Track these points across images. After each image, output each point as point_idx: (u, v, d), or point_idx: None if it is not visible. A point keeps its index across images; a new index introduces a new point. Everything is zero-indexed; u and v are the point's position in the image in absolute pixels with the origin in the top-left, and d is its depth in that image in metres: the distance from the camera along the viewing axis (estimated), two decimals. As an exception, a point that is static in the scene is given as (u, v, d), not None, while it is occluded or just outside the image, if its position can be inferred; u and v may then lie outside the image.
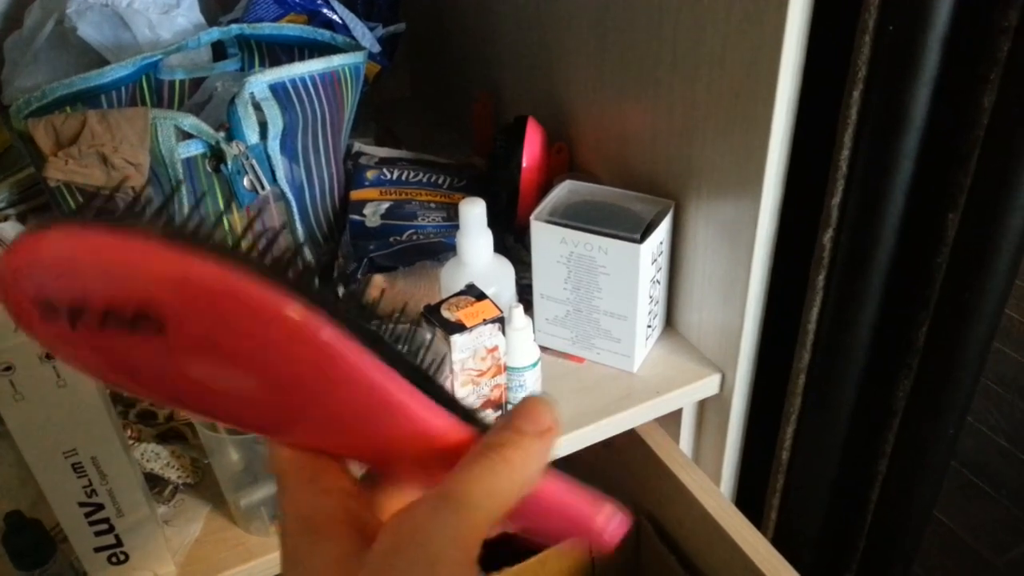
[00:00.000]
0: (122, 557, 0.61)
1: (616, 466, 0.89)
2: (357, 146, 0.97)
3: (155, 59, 0.84)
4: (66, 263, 0.25)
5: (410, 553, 0.26)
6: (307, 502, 0.29)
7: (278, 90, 0.75)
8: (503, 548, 0.91)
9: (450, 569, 0.26)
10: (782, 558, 0.71)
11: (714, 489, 0.77)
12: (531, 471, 0.29)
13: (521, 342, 0.70)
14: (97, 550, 0.59)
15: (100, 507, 0.57)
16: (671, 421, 0.82)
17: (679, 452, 0.81)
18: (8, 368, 0.50)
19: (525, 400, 0.31)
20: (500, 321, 0.65)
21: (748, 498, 0.86)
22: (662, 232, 0.73)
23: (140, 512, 0.59)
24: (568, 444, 0.73)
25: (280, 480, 0.30)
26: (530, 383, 0.72)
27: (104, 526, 0.59)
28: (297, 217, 0.80)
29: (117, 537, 0.59)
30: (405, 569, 0.26)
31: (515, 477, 0.29)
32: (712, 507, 0.76)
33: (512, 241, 0.86)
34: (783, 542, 0.75)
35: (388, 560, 0.27)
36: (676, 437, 0.84)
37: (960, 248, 0.63)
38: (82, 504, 0.57)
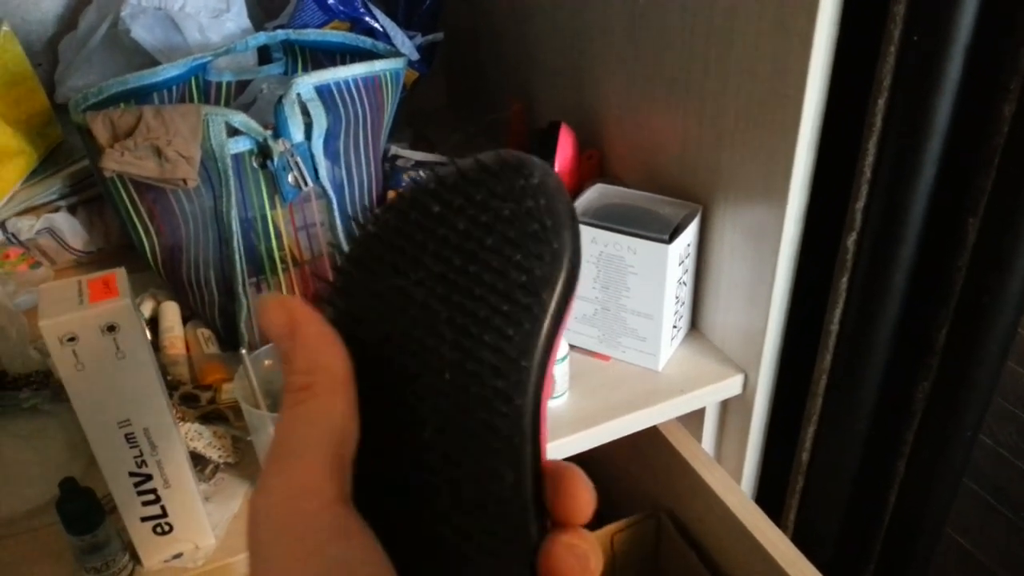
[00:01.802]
0: (166, 528, 0.63)
1: (638, 463, 0.91)
2: (394, 149, 1.00)
3: (205, 61, 0.88)
4: None
5: (260, 524, 0.26)
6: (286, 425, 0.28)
7: (323, 92, 0.78)
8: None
9: (301, 524, 0.26)
10: (802, 555, 0.73)
11: (735, 487, 0.79)
12: (321, 373, 0.28)
13: (551, 336, 0.72)
14: (144, 520, 0.62)
15: (149, 478, 0.60)
16: (694, 420, 0.84)
17: (701, 450, 0.83)
18: (72, 339, 0.53)
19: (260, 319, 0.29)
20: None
21: (768, 497, 0.87)
22: (690, 234, 0.76)
23: (185, 485, 0.62)
24: (591, 439, 0.75)
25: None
26: (558, 377, 0.74)
27: (151, 496, 0.61)
28: (337, 214, 0.83)
29: (163, 508, 0.62)
30: (262, 541, 0.26)
31: (310, 400, 0.27)
32: (733, 504, 0.77)
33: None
34: (802, 541, 0.77)
35: (251, 530, 0.27)
36: (698, 436, 0.85)
37: (980, 252, 0.65)
38: (132, 474, 0.60)
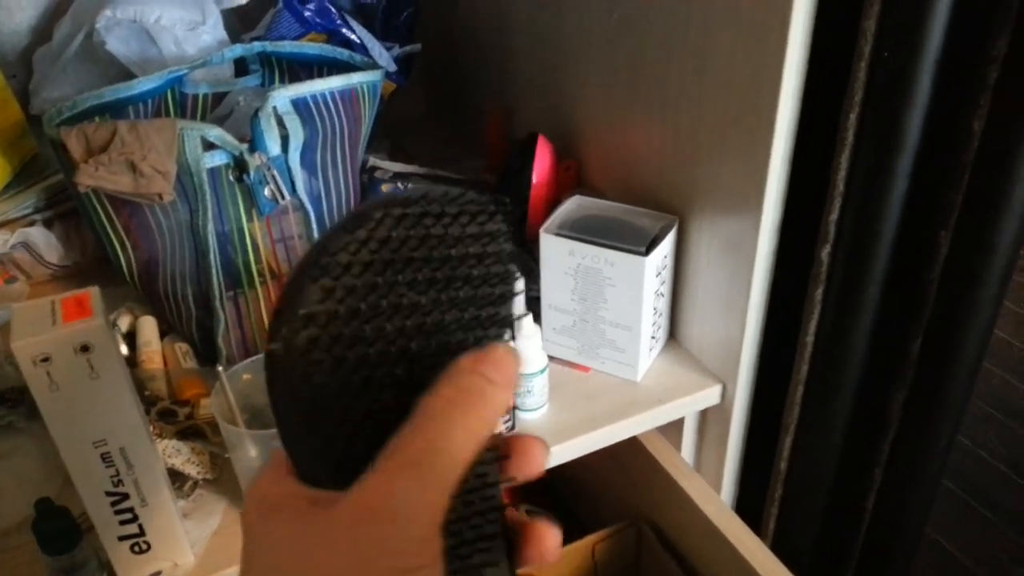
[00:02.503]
0: (144, 547, 0.63)
1: (619, 473, 0.92)
2: (372, 161, 1.00)
3: (181, 73, 0.87)
4: None
5: (381, 518, 0.27)
6: (266, 482, 0.31)
7: (300, 105, 0.78)
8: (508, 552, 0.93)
9: (420, 529, 0.27)
10: (781, 564, 0.73)
11: (715, 496, 0.79)
12: (493, 424, 0.29)
13: (529, 349, 0.72)
14: (121, 539, 0.62)
15: (125, 496, 0.60)
16: (673, 430, 0.85)
17: (680, 460, 0.83)
18: (46, 359, 0.52)
19: (492, 349, 0.30)
20: (510, 327, 0.67)
21: (748, 506, 0.88)
22: (666, 246, 0.76)
23: (163, 503, 0.62)
24: (572, 450, 0.75)
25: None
26: (537, 389, 0.74)
27: (128, 515, 0.61)
28: (315, 227, 0.83)
29: (140, 527, 0.62)
30: (375, 534, 0.27)
31: (479, 430, 0.28)
32: (712, 514, 0.78)
33: (521, 253, 0.88)
34: (781, 550, 0.77)
35: (356, 526, 0.27)
36: (678, 445, 0.86)
37: (952, 264, 0.66)
38: (109, 493, 0.59)
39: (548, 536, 0.33)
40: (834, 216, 0.68)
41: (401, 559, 0.27)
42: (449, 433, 0.28)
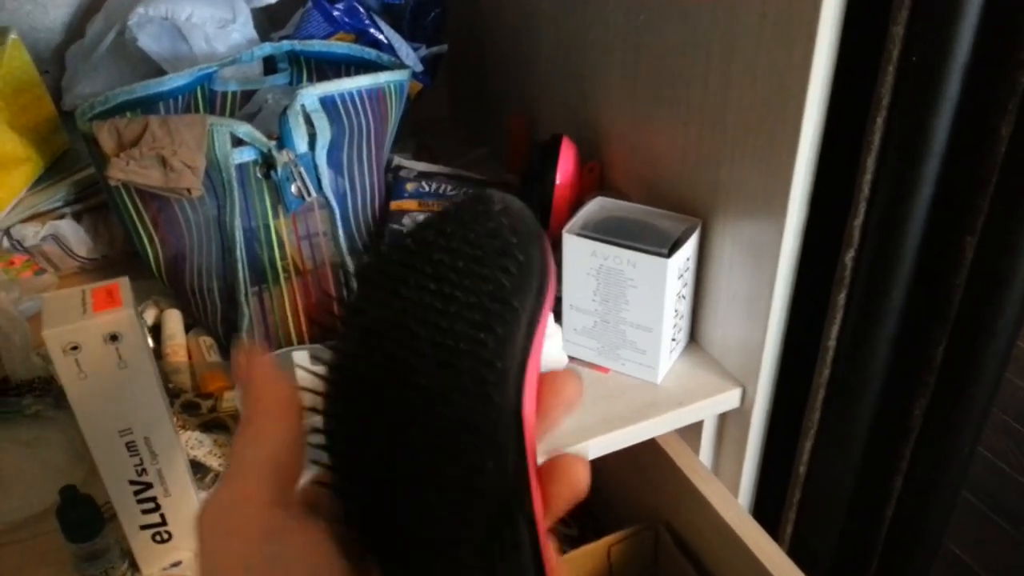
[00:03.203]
0: (166, 536, 0.64)
1: (636, 475, 0.92)
2: (397, 160, 1.01)
3: (211, 71, 0.89)
4: None
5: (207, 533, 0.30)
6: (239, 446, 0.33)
7: (328, 103, 0.79)
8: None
9: (242, 526, 0.29)
10: (798, 569, 0.73)
11: (732, 500, 0.79)
12: (262, 414, 0.33)
13: (550, 349, 0.73)
14: (143, 528, 0.63)
15: (149, 486, 0.61)
16: (692, 433, 0.85)
17: (698, 463, 0.83)
18: (75, 348, 0.53)
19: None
20: (531, 326, 0.68)
21: (765, 511, 0.88)
22: (689, 248, 0.76)
23: (185, 493, 0.63)
24: (591, 450, 0.75)
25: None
26: (557, 389, 0.74)
27: (151, 504, 0.62)
28: (339, 224, 0.84)
29: (162, 516, 0.63)
30: (210, 548, 0.30)
31: (248, 428, 0.33)
32: (730, 518, 0.78)
33: (543, 254, 0.89)
34: (799, 555, 0.77)
35: (199, 548, 0.30)
36: (696, 449, 0.86)
37: (977, 269, 0.65)
38: (132, 482, 0.60)
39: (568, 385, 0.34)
40: (859, 220, 0.68)
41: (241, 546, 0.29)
42: None
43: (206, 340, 0.84)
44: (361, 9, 0.97)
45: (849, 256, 0.70)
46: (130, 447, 0.59)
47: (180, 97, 0.88)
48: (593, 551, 0.88)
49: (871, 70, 0.63)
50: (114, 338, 0.54)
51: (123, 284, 0.56)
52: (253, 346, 0.33)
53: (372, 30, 0.96)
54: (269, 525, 0.29)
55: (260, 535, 0.29)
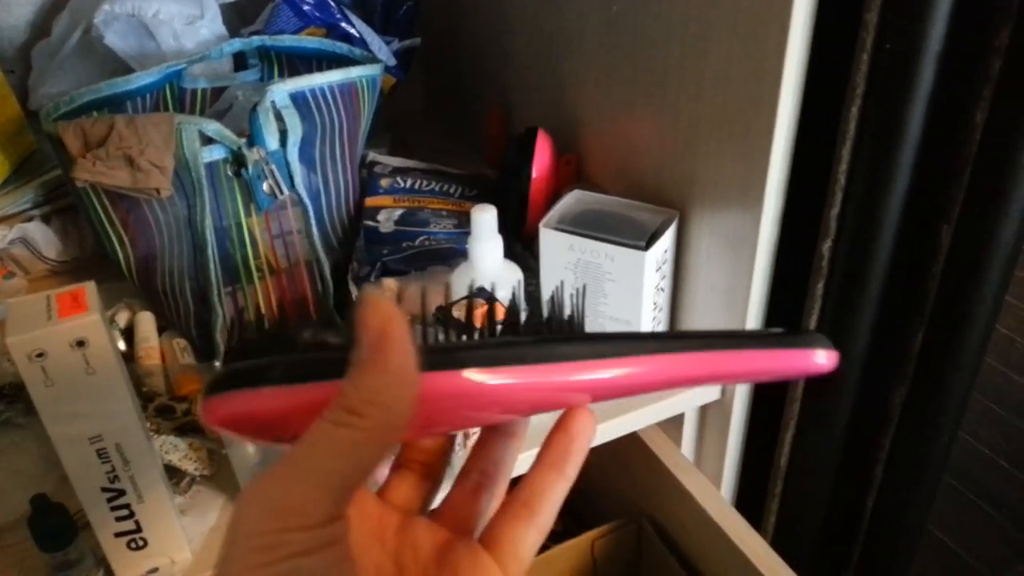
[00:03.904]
0: (141, 543, 0.63)
1: (618, 469, 0.91)
2: (372, 155, 1.00)
3: (179, 68, 0.87)
4: (238, 423, 0.31)
5: (244, 507, 0.27)
6: None
7: (298, 99, 0.78)
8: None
9: (284, 520, 0.27)
10: (781, 560, 0.73)
11: (715, 492, 0.79)
12: (381, 410, 0.27)
13: (528, 344, 0.72)
14: (118, 535, 0.62)
15: (122, 492, 0.60)
16: (673, 425, 0.84)
17: (680, 456, 0.83)
18: (41, 355, 0.52)
19: (360, 309, 0.28)
20: (509, 322, 0.67)
21: (748, 503, 0.88)
22: (666, 241, 0.76)
23: (160, 499, 0.62)
24: (572, 446, 0.75)
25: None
26: (536, 385, 0.74)
27: (125, 511, 0.61)
28: (313, 222, 0.83)
29: (137, 523, 0.62)
30: (240, 525, 0.27)
31: (354, 431, 0.27)
32: (713, 510, 0.78)
33: (520, 249, 0.88)
34: (782, 546, 0.77)
35: (231, 522, 0.27)
36: (678, 442, 0.86)
37: (954, 258, 0.65)
38: (105, 489, 0.59)
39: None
40: (835, 210, 0.68)
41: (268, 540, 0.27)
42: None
43: (180, 342, 0.82)
44: (332, 3, 0.95)
45: (826, 246, 0.70)
46: (101, 454, 0.58)
47: (148, 95, 0.86)
48: (576, 545, 0.87)
49: (845, 58, 0.62)
50: (80, 344, 0.53)
51: (89, 288, 0.55)
52: (397, 312, 0.28)
53: (343, 24, 0.95)
54: (308, 543, 0.27)
55: (288, 552, 0.26)
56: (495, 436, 0.37)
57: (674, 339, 0.33)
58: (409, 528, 0.34)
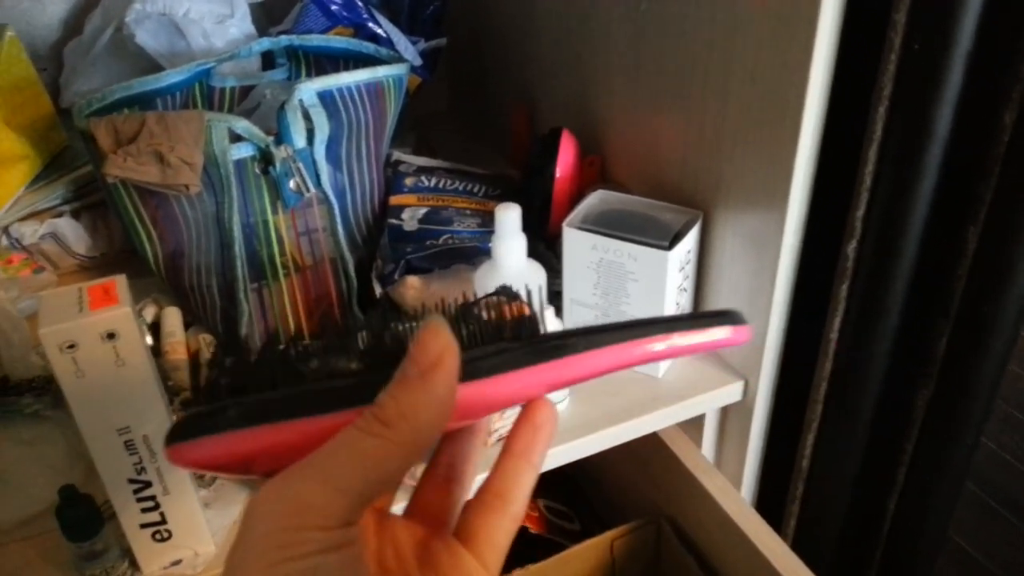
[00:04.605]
0: (166, 534, 0.64)
1: (638, 469, 0.91)
2: (396, 155, 1.00)
3: (209, 66, 0.88)
4: (206, 464, 0.32)
5: (261, 507, 0.28)
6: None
7: (326, 98, 0.79)
8: (526, 546, 0.93)
9: (301, 520, 0.27)
10: (802, 563, 0.73)
11: (735, 494, 0.79)
12: (414, 425, 0.28)
13: (551, 343, 0.72)
14: (143, 526, 0.63)
15: (148, 484, 0.61)
16: (694, 426, 0.84)
17: (701, 457, 0.83)
18: (72, 346, 0.53)
19: (416, 341, 0.29)
20: (532, 321, 0.67)
21: (768, 505, 0.87)
22: (690, 241, 0.76)
23: (185, 492, 0.62)
24: (592, 445, 0.75)
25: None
26: (558, 383, 0.74)
27: (151, 503, 0.62)
28: (339, 220, 0.84)
29: (162, 515, 0.62)
30: (257, 523, 0.28)
31: (383, 443, 0.28)
32: (733, 511, 0.77)
33: (543, 249, 0.88)
34: (802, 548, 0.77)
35: (246, 519, 0.28)
36: (698, 442, 0.85)
37: (980, 261, 0.65)
38: (132, 481, 0.60)
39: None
40: (861, 211, 0.67)
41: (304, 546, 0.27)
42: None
43: (206, 337, 0.83)
44: (359, 3, 0.96)
45: (851, 248, 0.69)
46: (128, 446, 0.58)
47: (178, 93, 0.87)
48: (596, 545, 0.87)
49: (873, 59, 0.62)
50: (111, 336, 0.54)
51: (120, 282, 0.56)
52: (454, 343, 0.29)
53: (370, 24, 0.96)
54: (326, 542, 0.27)
55: (305, 550, 0.27)
56: (458, 430, 0.38)
57: (597, 333, 0.35)
58: (387, 528, 0.34)
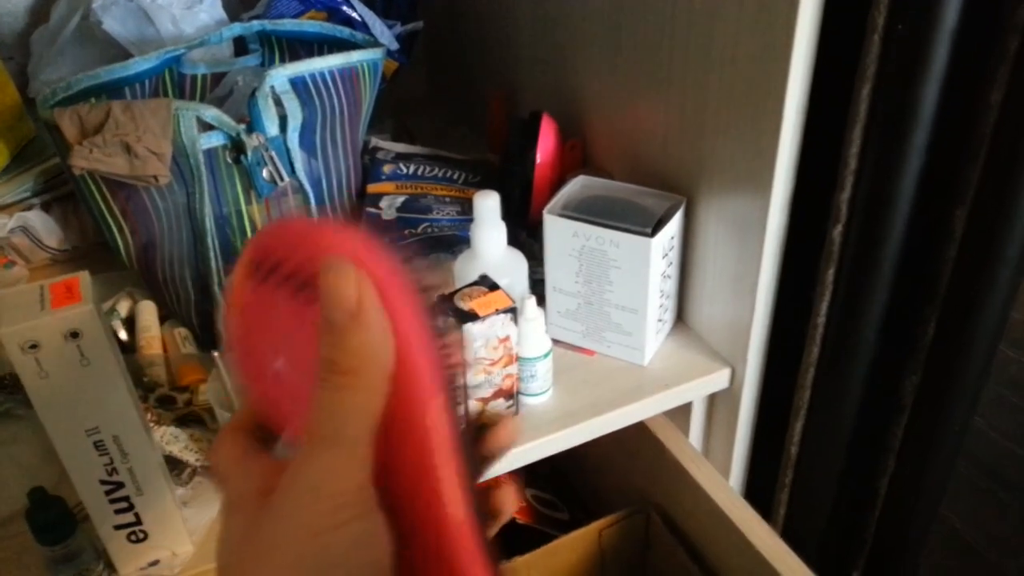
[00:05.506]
0: (141, 535, 0.62)
1: (626, 459, 0.90)
2: (374, 141, 0.98)
3: (178, 53, 0.86)
4: (281, 238, 0.32)
5: (292, 494, 0.28)
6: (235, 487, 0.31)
7: (298, 84, 0.77)
8: (516, 537, 0.92)
9: (332, 499, 0.28)
10: (791, 551, 0.72)
11: (723, 482, 0.78)
12: (371, 362, 0.28)
13: (533, 333, 0.71)
14: (117, 528, 0.61)
15: (120, 485, 0.59)
16: (681, 414, 0.83)
17: (688, 445, 0.82)
18: (34, 346, 0.51)
19: (323, 279, 0.28)
20: (512, 311, 0.66)
21: (757, 492, 0.86)
22: (673, 227, 0.74)
23: (159, 491, 0.61)
24: (578, 435, 0.74)
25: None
26: (541, 373, 0.73)
27: (124, 504, 0.60)
28: (314, 209, 0.82)
29: (136, 515, 0.61)
30: (291, 508, 0.28)
31: (357, 390, 0.28)
32: (721, 500, 0.76)
33: (525, 236, 0.87)
34: (791, 536, 0.76)
35: (277, 503, 0.29)
36: (686, 430, 0.84)
37: (968, 243, 0.64)
38: (103, 482, 0.58)
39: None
40: (846, 194, 0.66)
41: (325, 518, 0.28)
42: (337, 407, 0.29)
43: (181, 331, 0.81)
44: (333, -14, 0.94)
45: (837, 231, 0.68)
46: (98, 446, 0.57)
47: (147, 81, 0.85)
48: (584, 535, 0.86)
49: (856, 39, 0.61)
50: (75, 335, 0.52)
51: (83, 278, 0.54)
52: (363, 276, 0.28)
53: (345, 8, 0.94)
54: (361, 503, 0.28)
55: (351, 513, 0.28)
56: None
57: None
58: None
